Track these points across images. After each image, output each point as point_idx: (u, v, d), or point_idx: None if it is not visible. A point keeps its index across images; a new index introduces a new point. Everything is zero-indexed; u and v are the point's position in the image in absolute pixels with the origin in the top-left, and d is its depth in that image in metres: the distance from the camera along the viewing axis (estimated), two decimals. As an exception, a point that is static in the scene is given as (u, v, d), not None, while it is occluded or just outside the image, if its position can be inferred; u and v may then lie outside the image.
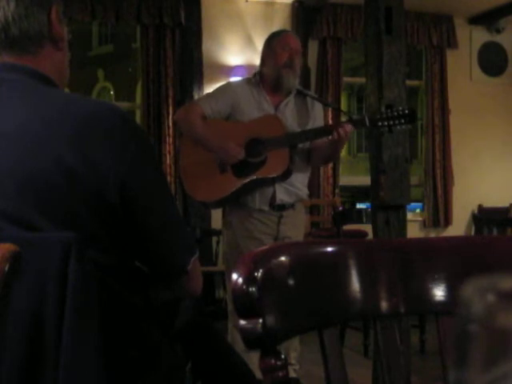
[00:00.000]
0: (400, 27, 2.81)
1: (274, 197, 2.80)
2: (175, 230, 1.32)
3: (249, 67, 5.61)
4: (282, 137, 2.77)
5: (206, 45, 5.50)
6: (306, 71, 5.84)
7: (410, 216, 4.70)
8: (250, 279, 0.74)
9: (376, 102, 2.83)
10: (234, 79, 5.56)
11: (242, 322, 0.75)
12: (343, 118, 3.19)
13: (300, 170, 2.86)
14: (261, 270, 0.75)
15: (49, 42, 1.28)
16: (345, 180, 6.25)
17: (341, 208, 5.74)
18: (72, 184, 1.14)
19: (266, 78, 2.88)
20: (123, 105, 6.68)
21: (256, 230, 2.81)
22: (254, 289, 0.73)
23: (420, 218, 6.35)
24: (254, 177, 2.76)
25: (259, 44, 5.77)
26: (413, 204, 6.08)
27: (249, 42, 5.69)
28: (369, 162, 2.94)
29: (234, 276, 0.75)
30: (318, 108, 2.96)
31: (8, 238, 0.95)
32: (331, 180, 5.92)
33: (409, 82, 5.22)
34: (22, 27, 1.24)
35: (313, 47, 5.89)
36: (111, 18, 5.34)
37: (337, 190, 5.91)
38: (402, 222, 2.83)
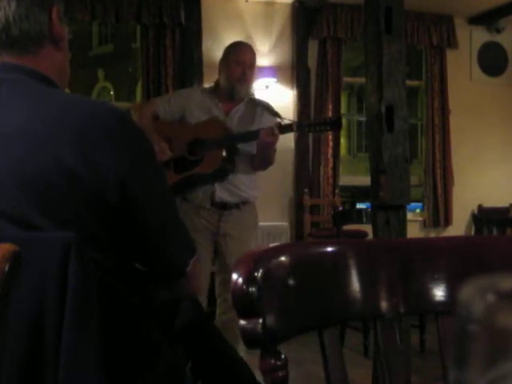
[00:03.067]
0: (400, 27, 2.81)
1: (213, 195, 2.97)
2: (175, 231, 1.32)
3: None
4: (220, 137, 2.96)
5: (206, 45, 5.50)
6: (306, 71, 5.85)
7: (409, 216, 4.70)
8: (250, 279, 0.74)
9: (376, 102, 2.83)
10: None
11: (242, 322, 0.75)
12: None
13: (244, 172, 3.01)
14: (261, 270, 0.75)
15: (49, 42, 1.28)
16: (345, 180, 6.25)
17: (341, 208, 5.74)
18: (72, 184, 1.14)
19: (220, 87, 3.07)
20: (123, 105, 6.68)
21: (200, 223, 2.99)
22: (254, 289, 0.73)
23: (420, 218, 6.35)
24: (189, 173, 2.97)
25: (259, 44, 5.80)
26: (413, 204, 6.08)
27: (249, 42, 5.68)
28: (369, 162, 2.94)
29: (234, 276, 0.75)
30: (268, 117, 3.08)
31: (8, 238, 0.95)
32: (331, 180, 5.92)
33: (409, 82, 5.22)
34: (23, 27, 1.24)
35: (313, 47, 5.88)
36: (111, 17, 5.33)
37: (337, 190, 5.91)
38: (402, 222, 2.83)
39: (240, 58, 3.03)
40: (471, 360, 0.29)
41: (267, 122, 3.05)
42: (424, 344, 3.98)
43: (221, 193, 2.98)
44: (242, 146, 3.00)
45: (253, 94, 3.22)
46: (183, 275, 1.33)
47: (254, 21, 5.72)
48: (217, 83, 3.12)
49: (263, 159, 3.03)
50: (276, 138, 2.90)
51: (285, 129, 2.99)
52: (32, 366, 1.02)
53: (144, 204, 1.23)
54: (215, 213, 3.00)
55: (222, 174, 2.97)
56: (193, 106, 3.04)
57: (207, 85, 3.26)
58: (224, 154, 2.96)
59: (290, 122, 3.08)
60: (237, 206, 3.02)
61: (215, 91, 3.10)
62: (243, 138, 2.98)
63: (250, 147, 2.99)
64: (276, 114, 3.07)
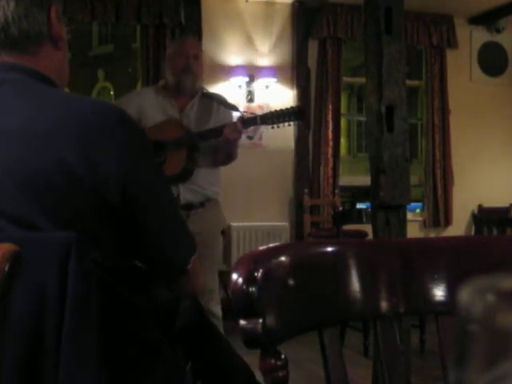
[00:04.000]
0: (400, 27, 2.81)
1: (178, 197, 2.90)
2: (175, 230, 1.32)
3: (249, 67, 5.62)
4: (180, 138, 2.89)
5: (206, 45, 5.49)
6: (306, 71, 5.85)
7: (409, 216, 4.70)
8: (250, 279, 0.74)
9: (376, 102, 2.83)
10: (234, 79, 5.57)
11: (242, 322, 0.75)
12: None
13: (206, 169, 2.97)
14: (261, 270, 0.75)
15: (48, 42, 1.28)
16: (345, 180, 6.25)
17: (341, 208, 5.74)
18: (72, 184, 1.14)
19: (168, 84, 3.04)
20: (123, 105, 6.68)
21: None
22: (254, 289, 0.73)
23: (420, 218, 6.35)
24: None
25: (259, 44, 5.80)
26: (413, 204, 6.08)
27: (249, 42, 5.69)
28: (369, 162, 2.94)
29: (234, 276, 0.75)
30: (225, 110, 3.06)
31: (8, 238, 0.95)
32: (331, 180, 5.92)
33: (409, 82, 5.22)
34: (22, 27, 1.24)
35: (313, 47, 5.88)
36: (111, 17, 5.34)
37: (337, 190, 5.90)
38: (402, 222, 2.83)
39: (182, 50, 3.00)
40: (471, 360, 0.29)
41: (224, 116, 3.03)
42: (424, 344, 3.98)
43: (185, 194, 2.94)
44: (202, 143, 2.96)
45: (205, 89, 3.17)
46: (184, 273, 1.33)
47: (254, 21, 5.72)
48: (166, 82, 3.09)
49: (228, 156, 3.00)
50: (240, 134, 2.88)
51: (248, 123, 2.96)
52: (32, 366, 1.02)
53: (144, 203, 1.23)
54: (182, 214, 2.99)
55: (186, 174, 2.93)
56: (146, 106, 2.99)
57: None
58: (186, 154, 2.92)
59: (252, 115, 3.05)
60: (202, 204, 2.99)
61: (166, 88, 3.05)
62: (205, 137, 2.94)
63: (210, 143, 2.96)
64: (232, 107, 3.05)
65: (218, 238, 3.09)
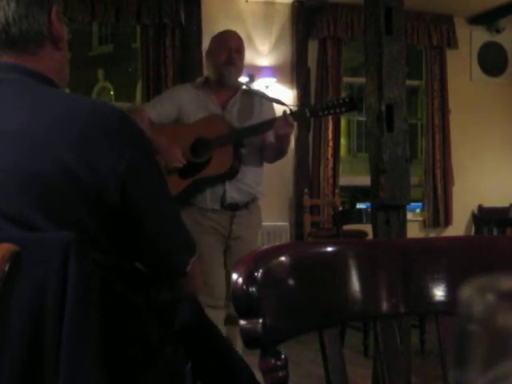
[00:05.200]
0: (400, 27, 2.81)
1: (224, 196, 2.80)
2: (175, 231, 1.32)
3: (249, 67, 5.61)
4: (225, 135, 2.79)
5: (206, 45, 5.48)
6: (306, 71, 5.85)
7: (409, 216, 4.70)
8: (250, 279, 0.74)
9: (376, 102, 2.83)
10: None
11: (242, 322, 0.75)
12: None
13: (252, 167, 2.87)
14: (261, 270, 0.75)
15: (49, 42, 1.28)
16: (345, 180, 6.25)
17: (341, 208, 5.74)
18: (72, 184, 1.14)
19: (210, 80, 2.93)
20: (123, 105, 6.68)
21: (210, 227, 2.82)
22: (254, 289, 0.73)
23: (420, 218, 6.35)
24: (198, 177, 2.78)
25: (259, 44, 5.80)
26: (413, 204, 6.08)
27: (249, 41, 5.69)
28: (369, 162, 2.93)
29: (234, 276, 0.75)
30: (268, 105, 2.97)
31: (8, 238, 0.95)
32: (331, 180, 5.92)
33: (409, 82, 5.22)
34: (23, 27, 1.24)
35: (313, 47, 5.89)
36: (111, 18, 5.34)
37: (337, 190, 5.91)
38: (402, 222, 2.82)
39: (225, 42, 2.90)
40: (471, 360, 0.29)
41: (268, 110, 2.93)
42: (424, 344, 3.98)
43: (231, 192, 2.82)
44: (247, 140, 2.85)
45: (246, 84, 3.06)
46: (183, 275, 1.33)
47: (254, 21, 5.72)
48: (207, 78, 2.99)
49: (279, 151, 2.87)
50: (292, 128, 2.75)
51: (298, 115, 2.81)
52: (32, 366, 1.02)
53: (144, 204, 1.23)
54: (226, 215, 2.84)
55: (232, 173, 2.81)
56: (186, 103, 2.88)
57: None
58: (232, 151, 2.80)
59: (301, 107, 2.92)
60: (246, 205, 2.87)
61: (207, 84, 2.95)
62: (253, 132, 2.82)
63: (257, 139, 2.86)
64: (277, 101, 2.92)
65: (256, 243, 2.98)
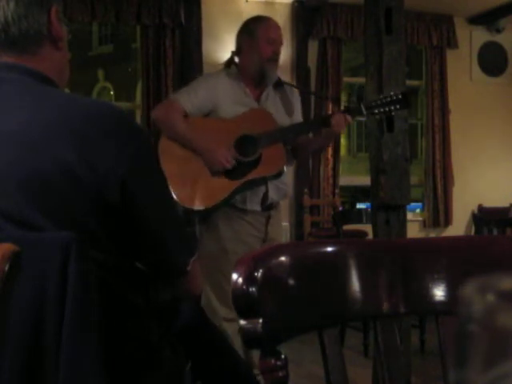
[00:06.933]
0: (400, 27, 2.81)
1: (266, 196, 2.62)
2: (175, 231, 1.32)
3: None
4: (275, 131, 2.60)
5: (206, 45, 5.50)
6: (306, 71, 5.85)
7: (409, 216, 4.70)
8: (250, 279, 0.74)
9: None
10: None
11: (242, 322, 0.75)
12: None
13: (288, 166, 2.75)
14: (261, 270, 0.75)
15: (48, 42, 1.28)
16: (345, 180, 6.25)
17: (341, 208, 5.74)
18: (72, 184, 1.14)
19: (245, 70, 2.68)
20: (123, 105, 6.68)
21: (245, 232, 2.63)
22: (254, 289, 0.73)
23: (420, 218, 6.35)
24: (250, 178, 2.56)
25: (259, 44, 5.80)
26: (413, 204, 6.08)
27: (249, 42, 5.69)
28: (369, 162, 2.93)
29: (234, 276, 0.75)
30: (297, 96, 2.83)
31: (8, 238, 0.95)
32: (331, 180, 5.92)
33: (409, 82, 5.22)
34: (22, 27, 1.24)
35: (313, 47, 5.88)
36: (111, 18, 5.33)
37: (337, 190, 5.90)
38: (402, 222, 2.83)
39: (270, 35, 2.66)
40: (471, 360, 0.29)
41: (298, 101, 2.79)
42: (424, 344, 3.97)
43: (272, 193, 2.64)
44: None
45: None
46: (183, 274, 1.33)
47: (254, 21, 5.71)
48: (238, 65, 2.71)
49: (320, 149, 2.74)
50: (347, 124, 2.59)
51: (354, 112, 2.62)
52: (32, 366, 1.02)
53: (144, 204, 1.23)
54: (262, 216, 2.67)
55: (281, 172, 2.63)
56: (222, 95, 2.63)
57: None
58: (285, 150, 2.61)
59: (354, 105, 2.69)
60: (276, 204, 2.72)
61: (243, 75, 2.68)
62: (311, 127, 2.65)
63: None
64: (317, 95, 2.79)
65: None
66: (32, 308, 1.02)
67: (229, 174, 2.57)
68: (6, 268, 0.84)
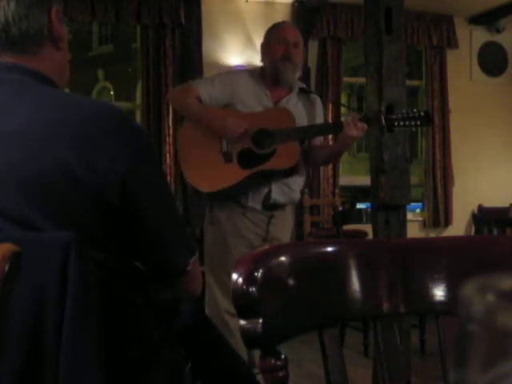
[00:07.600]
0: (400, 27, 2.81)
1: (268, 196, 2.68)
2: (175, 230, 1.32)
3: (249, 67, 5.62)
4: (293, 129, 2.65)
5: (206, 45, 5.50)
6: (306, 71, 5.84)
7: (409, 216, 4.70)
8: (250, 279, 0.74)
9: (376, 102, 2.83)
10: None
11: (242, 322, 0.75)
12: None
13: (300, 170, 2.76)
14: (261, 270, 0.75)
15: (49, 42, 1.28)
16: (345, 180, 6.25)
17: (341, 208, 5.74)
18: (72, 184, 1.14)
19: (265, 73, 2.77)
20: (123, 105, 6.68)
21: (245, 228, 2.70)
22: (254, 289, 0.73)
23: (420, 218, 6.35)
24: (261, 168, 2.63)
25: (259, 44, 5.79)
26: (413, 204, 6.08)
27: (249, 42, 5.69)
28: (369, 162, 2.93)
29: (234, 276, 0.75)
30: (320, 105, 2.89)
31: (8, 238, 0.95)
32: (331, 180, 5.92)
33: (409, 82, 5.22)
34: (22, 27, 1.24)
35: (313, 47, 5.89)
36: (111, 18, 5.34)
37: (337, 190, 5.90)
38: (402, 222, 2.83)
39: (283, 35, 2.72)
40: (471, 360, 0.29)
41: (321, 110, 2.83)
42: (424, 344, 3.97)
43: (275, 194, 2.69)
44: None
45: (302, 84, 2.89)
46: (183, 274, 1.33)
47: (254, 21, 5.72)
48: (263, 69, 2.80)
49: (333, 156, 2.79)
50: (361, 132, 2.61)
51: (372, 122, 2.66)
52: (32, 366, 1.02)
53: (144, 204, 1.23)
54: (264, 215, 2.72)
55: (294, 170, 2.67)
56: (241, 91, 2.70)
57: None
58: (300, 148, 2.66)
59: (373, 115, 2.73)
60: (283, 206, 2.76)
61: (263, 76, 2.77)
62: (325, 130, 2.69)
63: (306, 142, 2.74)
64: (344, 105, 2.85)
65: None
66: (32, 308, 1.02)
67: (242, 162, 2.64)
68: (6, 268, 0.84)
